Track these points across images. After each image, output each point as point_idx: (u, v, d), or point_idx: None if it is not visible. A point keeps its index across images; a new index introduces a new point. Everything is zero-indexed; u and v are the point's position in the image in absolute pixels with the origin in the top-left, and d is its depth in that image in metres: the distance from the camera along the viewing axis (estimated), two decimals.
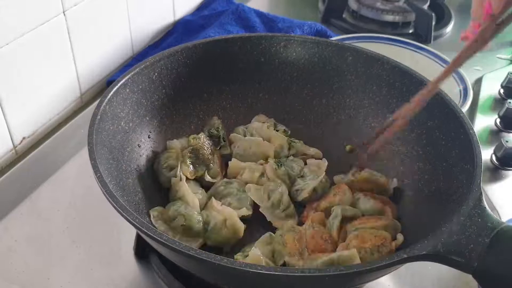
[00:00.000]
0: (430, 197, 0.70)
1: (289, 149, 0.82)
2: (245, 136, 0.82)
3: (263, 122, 0.84)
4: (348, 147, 0.81)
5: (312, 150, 0.83)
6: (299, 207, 0.76)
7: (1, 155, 0.84)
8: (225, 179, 0.77)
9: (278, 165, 0.77)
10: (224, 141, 0.82)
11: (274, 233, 0.69)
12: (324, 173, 0.76)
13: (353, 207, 0.72)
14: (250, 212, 0.72)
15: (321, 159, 0.81)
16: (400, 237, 0.66)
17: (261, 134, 0.82)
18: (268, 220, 0.72)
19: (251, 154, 0.80)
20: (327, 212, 0.72)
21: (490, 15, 0.59)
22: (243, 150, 0.80)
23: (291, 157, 0.81)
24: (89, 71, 0.98)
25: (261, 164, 0.79)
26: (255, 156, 0.80)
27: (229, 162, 0.79)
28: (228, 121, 0.86)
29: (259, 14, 1.22)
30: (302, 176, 0.78)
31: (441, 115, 0.72)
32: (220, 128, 0.82)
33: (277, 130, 0.84)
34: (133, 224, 0.54)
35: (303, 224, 0.70)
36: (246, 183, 0.76)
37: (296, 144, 0.82)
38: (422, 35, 1.21)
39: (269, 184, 0.75)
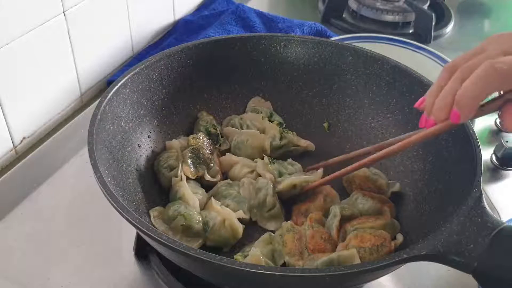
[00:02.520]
0: (430, 197, 0.70)
1: (281, 139, 0.82)
2: (241, 127, 0.83)
3: (258, 113, 0.85)
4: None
5: (304, 142, 0.83)
6: (288, 206, 0.75)
7: (1, 155, 0.84)
8: (227, 180, 0.77)
9: (271, 162, 0.78)
10: (222, 137, 0.82)
11: (273, 233, 0.69)
12: (317, 178, 0.76)
13: (352, 207, 0.72)
14: (246, 216, 0.72)
15: (313, 151, 0.83)
16: (399, 237, 0.66)
17: (256, 124, 0.83)
18: (254, 219, 0.73)
19: (247, 146, 0.81)
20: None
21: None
22: (241, 142, 0.81)
23: (290, 160, 0.80)
24: (89, 71, 0.98)
25: (256, 162, 0.79)
26: (251, 148, 0.81)
27: (221, 158, 0.80)
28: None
29: (259, 14, 1.22)
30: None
31: None
32: (215, 124, 0.82)
33: (271, 121, 0.85)
34: (133, 224, 0.54)
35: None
36: (233, 178, 0.77)
37: (288, 135, 0.83)
38: (422, 35, 1.21)
39: (258, 181, 0.75)
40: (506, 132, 0.50)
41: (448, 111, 0.53)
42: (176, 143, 0.77)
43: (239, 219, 0.70)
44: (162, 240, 0.52)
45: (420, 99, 0.59)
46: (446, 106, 0.53)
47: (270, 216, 0.73)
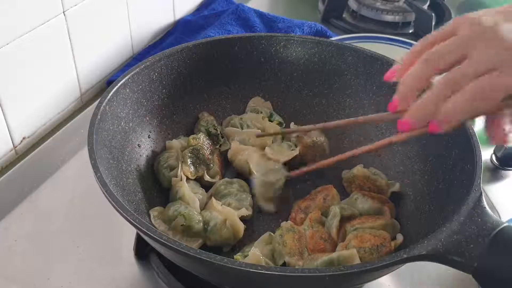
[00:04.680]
0: (430, 197, 0.70)
1: (282, 138, 0.83)
2: (241, 127, 0.83)
3: (258, 113, 0.85)
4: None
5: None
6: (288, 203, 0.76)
7: (1, 155, 0.84)
8: (226, 179, 0.77)
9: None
10: (222, 137, 0.82)
11: (273, 233, 0.69)
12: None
13: (352, 207, 0.72)
14: (249, 213, 0.72)
15: None
16: (399, 237, 0.67)
17: (256, 125, 0.83)
18: (253, 192, 0.74)
19: (249, 145, 0.81)
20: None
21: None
22: (242, 142, 0.81)
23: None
24: (89, 71, 0.98)
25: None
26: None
27: (232, 143, 0.80)
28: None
29: (259, 14, 1.22)
30: None
31: None
32: (215, 124, 0.82)
33: (271, 121, 0.85)
34: (133, 224, 0.54)
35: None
36: (241, 164, 0.78)
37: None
38: (422, 35, 1.20)
39: (271, 165, 0.76)
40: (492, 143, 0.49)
41: (428, 121, 0.51)
42: (176, 143, 0.77)
43: (240, 218, 0.70)
44: (162, 240, 0.52)
45: (390, 71, 0.56)
46: (427, 116, 0.51)
47: (271, 198, 0.75)
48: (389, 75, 0.56)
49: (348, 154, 0.62)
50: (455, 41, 0.51)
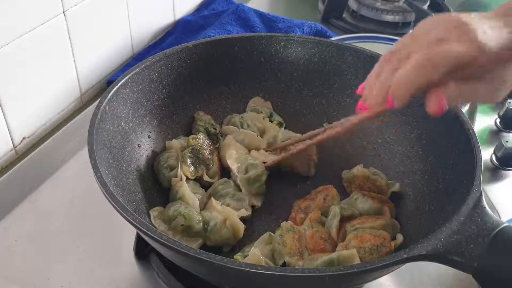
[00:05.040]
0: (430, 197, 0.70)
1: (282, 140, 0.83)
2: (241, 126, 0.83)
3: (259, 112, 0.85)
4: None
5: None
6: (288, 203, 0.76)
7: (1, 155, 0.84)
8: (224, 178, 0.77)
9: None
10: (222, 136, 0.82)
11: (273, 233, 0.69)
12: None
13: (351, 207, 0.72)
14: (249, 213, 0.72)
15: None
16: (399, 237, 0.67)
17: (257, 124, 0.83)
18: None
19: (245, 145, 0.81)
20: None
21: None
22: (239, 141, 0.81)
23: None
24: (89, 71, 0.98)
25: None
26: (248, 147, 0.81)
27: (227, 137, 0.81)
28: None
29: (259, 14, 1.22)
30: None
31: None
32: (214, 123, 0.82)
33: (271, 121, 0.85)
34: (133, 224, 0.54)
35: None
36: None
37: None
38: None
39: (251, 160, 0.76)
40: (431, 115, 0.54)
41: (382, 101, 0.55)
42: (176, 143, 0.77)
43: (240, 218, 0.70)
44: (162, 240, 0.52)
45: (361, 85, 0.60)
46: (379, 96, 0.55)
47: (257, 193, 0.75)
48: (360, 90, 0.60)
49: (319, 138, 0.72)
50: (408, 36, 0.56)
